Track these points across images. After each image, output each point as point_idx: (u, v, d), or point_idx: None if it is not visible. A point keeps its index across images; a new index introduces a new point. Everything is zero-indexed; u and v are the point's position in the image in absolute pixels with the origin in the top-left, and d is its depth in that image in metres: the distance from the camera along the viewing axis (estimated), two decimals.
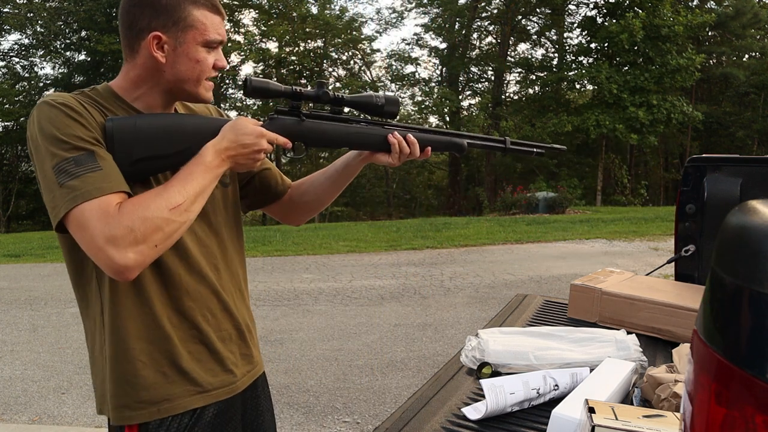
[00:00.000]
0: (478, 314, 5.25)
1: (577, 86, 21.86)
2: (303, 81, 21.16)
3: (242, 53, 20.77)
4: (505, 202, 15.73)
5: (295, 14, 21.09)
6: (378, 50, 39.27)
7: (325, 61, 23.06)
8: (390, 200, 25.88)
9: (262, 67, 21.36)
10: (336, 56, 23.73)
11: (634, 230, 10.62)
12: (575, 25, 22.96)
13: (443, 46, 24.57)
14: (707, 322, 0.49)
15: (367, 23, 37.34)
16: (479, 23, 24.71)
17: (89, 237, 0.92)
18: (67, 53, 22.05)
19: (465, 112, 24.42)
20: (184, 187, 0.98)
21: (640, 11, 18.53)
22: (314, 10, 21.66)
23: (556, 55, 23.89)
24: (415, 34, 40.57)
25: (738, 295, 0.45)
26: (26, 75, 21.80)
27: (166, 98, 1.10)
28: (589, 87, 21.35)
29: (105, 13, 20.27)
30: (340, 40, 22.79)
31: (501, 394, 1.08)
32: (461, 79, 25.12)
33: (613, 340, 1.36)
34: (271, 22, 21.30)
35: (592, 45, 21.15)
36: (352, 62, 24.80)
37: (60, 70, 22.24)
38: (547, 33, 24.80)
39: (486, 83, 25.74)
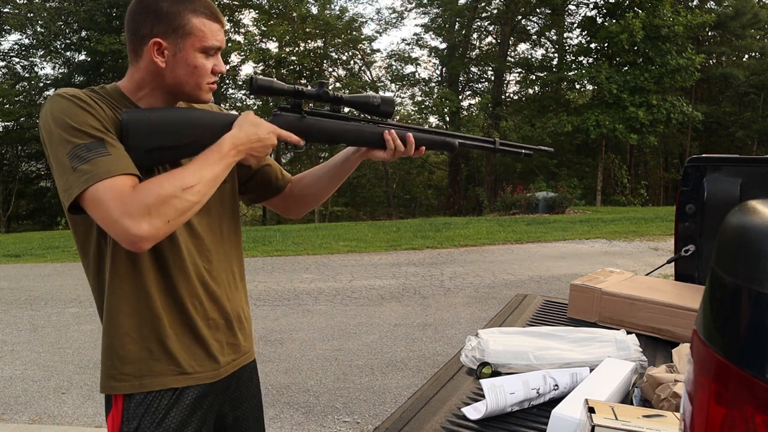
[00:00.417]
0: (478, 314, 5.25)
1: (577, 86, 21.81)
2: (303, 81, 21.15)
3: (242, 53, 20.75)
4: (505, 202, 15.73)
5: (295, 14, 21.08)
6: (378, 50, 39.26)
7: (325, 61, 23.04)
8: (390, 200, 25.87)
9: (262, 67, 21.35)
10: (336, 56, 23.71)
11: (634, 230, 10.61)
12: (575, 25, 22.97)
13: (443, 46, 24.56)
14: (707, 322, 0.49)
15: (367, 23, 37.28)
16: (479, 23, 24.71)
17: (105, 211, 0.98)
18: (68, 53, 22.05)
19: (465, 112, 24.36)
20: (198, 171, 1.06)
21: (640, 11, 18.51)
22: (314, 10, 21.64)
23: (556, 55, 23.88)
24: (415, 34, 40.58)
25: (738, 295, 0.45)
26: (26, 75, 21.78)
27: (168, 99, 1.16)
28: (589, 87, 21.33)
29: (105, 13, 20.28)
30: (340, 40, 22.76)
31: (501, 394, 1.08)
32: (461, 79, 25.11)
33: (613, 340, 1.36)
34: (271, 22, 21.27)
35: (592, 45, 21.14)
36: (352, 62, 24.79)
37: (60, 71, 22.25)
38: (547, 33, 24.79)
39: (486, 83, 25.75)
